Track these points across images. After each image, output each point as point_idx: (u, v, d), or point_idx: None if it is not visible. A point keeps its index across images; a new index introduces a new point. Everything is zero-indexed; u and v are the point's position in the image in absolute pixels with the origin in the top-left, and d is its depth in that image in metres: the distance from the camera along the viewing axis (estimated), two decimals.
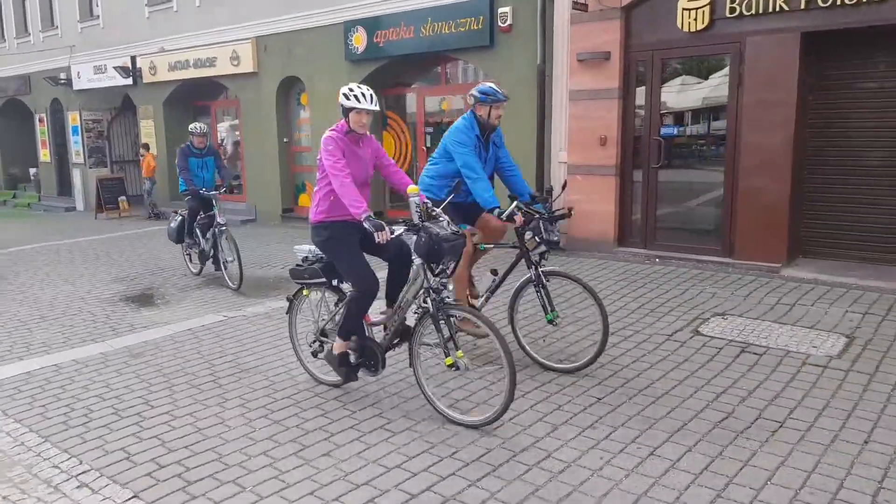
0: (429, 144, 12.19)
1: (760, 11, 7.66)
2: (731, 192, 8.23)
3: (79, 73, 18.46)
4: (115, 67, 16.83)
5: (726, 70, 8.25)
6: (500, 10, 9.85)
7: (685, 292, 7.22)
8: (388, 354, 4.64)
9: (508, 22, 9.79)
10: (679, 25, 8.33)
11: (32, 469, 3.87)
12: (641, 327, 6.13)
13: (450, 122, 11.66)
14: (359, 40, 11.74)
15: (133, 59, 16.61)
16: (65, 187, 21.02)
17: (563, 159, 9.39)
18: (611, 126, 8.91)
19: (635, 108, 8.98)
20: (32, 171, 22.55)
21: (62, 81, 19.00)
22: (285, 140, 14.06)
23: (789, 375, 4.85)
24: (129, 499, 3.52)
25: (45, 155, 21.44)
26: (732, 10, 7.85)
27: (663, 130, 8.84)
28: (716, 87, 8.50)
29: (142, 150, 16.61)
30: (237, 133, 15.65)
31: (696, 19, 8.14)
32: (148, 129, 17.05)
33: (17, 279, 9.41)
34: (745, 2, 7.74)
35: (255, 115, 14.28)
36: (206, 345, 6.06)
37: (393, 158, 12.71)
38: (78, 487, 3.65)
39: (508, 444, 3.98)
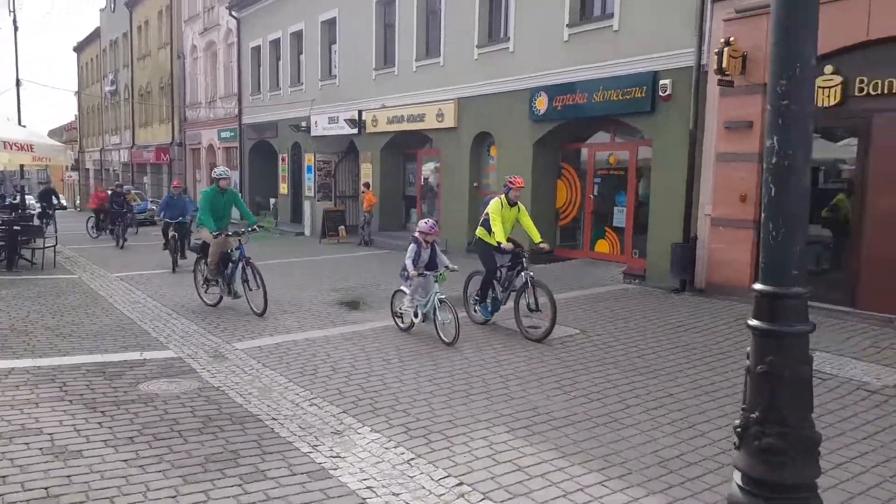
0: (596, 193, 13.83)
1: (886, 92, 8.61)
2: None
3: (316, 122, 22.37)
4: (345, 119, 20.31)
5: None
6: (662, 81, 11.36)
7: None
8: None
9: (668, 92, 11.28)
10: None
11: (285, 394, 6.16)
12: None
13: (616, 174, 13.43)
14: (541, 103, 13.74)
15: (359, 112, 19.99)
16: (297, 215, 25.18)
17: (708, 212, 10.63)
18: (751, 186, 10.04)
19: None
20: (272, 200, 27.14)
21: (303, 128, 23.05)
22: (475, 185, 16.38)
23: None
24: (339, 413, 5.64)
25: (283, 188, 25.82)
26: (861, 89, 8.85)
27: None
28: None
29: (363, 188, 19.82)
30: (438, 177, 18.31)
31: (828, 96, 9.18)
32: (367, 171, 20.32)
33: (270, 285, 12.39)
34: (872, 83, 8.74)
35: (453, 163, 16.79)
36: (399, 337, 8.25)
37: (564, 204, 14.37)
38: (310, 406, 5.85)
39: None
